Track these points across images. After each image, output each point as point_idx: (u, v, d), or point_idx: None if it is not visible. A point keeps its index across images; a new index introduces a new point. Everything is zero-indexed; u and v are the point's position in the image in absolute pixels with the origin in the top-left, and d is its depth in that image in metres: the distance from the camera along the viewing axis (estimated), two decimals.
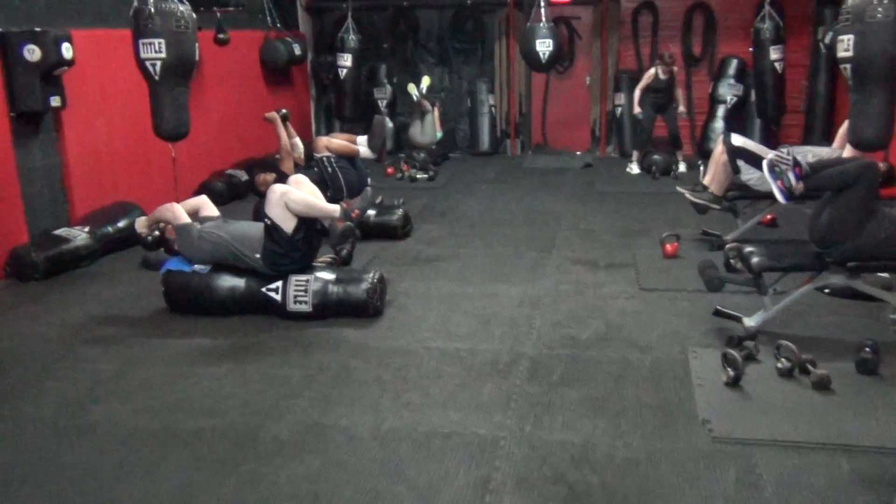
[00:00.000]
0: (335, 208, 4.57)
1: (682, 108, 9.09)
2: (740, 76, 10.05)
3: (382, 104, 11.08)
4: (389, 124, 10.97)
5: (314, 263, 4.83)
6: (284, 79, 10.23)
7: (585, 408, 3.44)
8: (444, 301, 4.90)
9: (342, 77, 9.84)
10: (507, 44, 10.74)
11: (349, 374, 3.87)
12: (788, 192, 4.13)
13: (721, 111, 10.10)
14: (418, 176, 9.00)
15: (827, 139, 9.41)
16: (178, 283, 4.69)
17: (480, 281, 5.30)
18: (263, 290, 4.58)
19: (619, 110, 10.54)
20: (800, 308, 4.40)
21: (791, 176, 4.14)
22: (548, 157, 10.37)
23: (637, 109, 9.11)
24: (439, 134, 10.11)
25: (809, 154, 5.71)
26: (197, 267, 4.67)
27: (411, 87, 9.67)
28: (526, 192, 8.28)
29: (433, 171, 9.19)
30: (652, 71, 9.08)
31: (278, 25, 9.79)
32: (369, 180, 8.61)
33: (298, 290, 4.54)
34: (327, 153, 6.29)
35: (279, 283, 4.56)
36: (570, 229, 6.66)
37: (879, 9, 4.44)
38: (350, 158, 6.41)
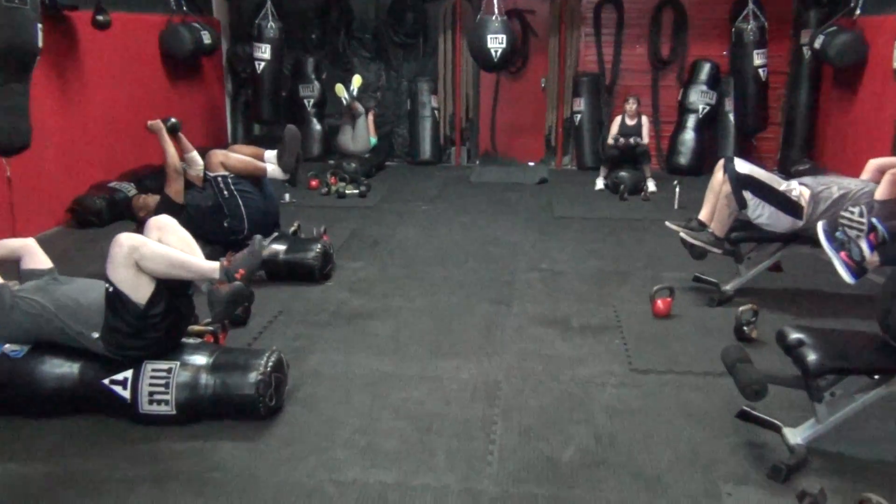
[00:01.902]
0: (212, 267, 3.19)
1: (635, 139, 7.89)
2: (713, 82, 8.94)
3: (309, 103, 9.66)
4: (318, 127, 9.58)
5: (187, 337, 3.44)
6: (192, 72, 8.72)
7: None
8: (368, 389, 3.55)
9: (259, 71, 8.40)
10: (454, 38, 9.42)
11: None
12: (858, 268, 2.93)
13: (692, 121, 8.98)
14: (347, 191, 7.61)
15: (807, 155, 8.41)
16: None
17: (419, 353, 3.96)
18: (105, 381, 3.17)
19: (577, 117, 9.34)
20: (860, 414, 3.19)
21: (864, 245, 2.94)
22: (498, 170, 9.08)
23: (611, 142, 7.94)
24: (374, 140, 8.76)
25: (835, 187, 4.56)
26: (7, 347, 3.22)
27: (339, 89, 8.28)
28: (474, 215, 6.98)
29: (365, 184, 7.82)
30: (618, 118, 7.95)
31: (185, 8, 8.27)
32: (289, 197, 7.28)
33: (156, 384, 3.14)
34: (223, 172, 4.88)
35: (128, 374, 3.16)
36: (530, 270, 5.38)
37: None
38: (255, 179, 5.01)
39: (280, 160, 5.01)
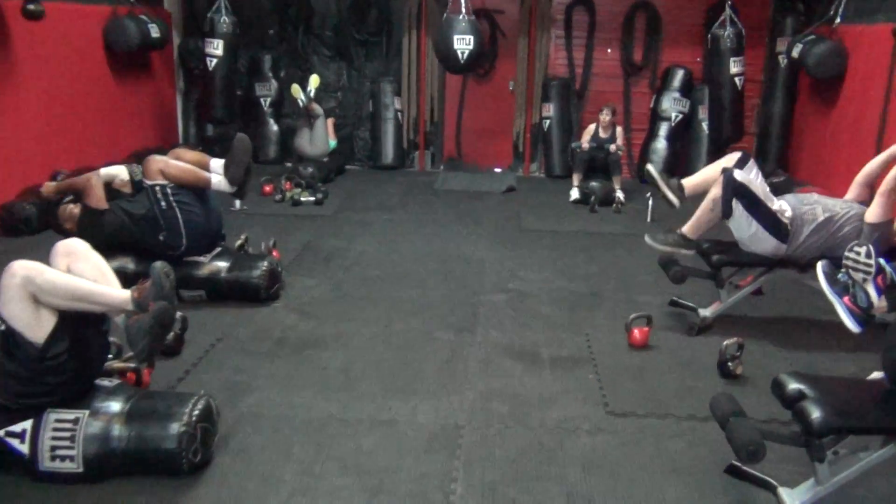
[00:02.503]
0: (124, 298, 2.74)
1: (616, 146, 7.55)
2: (686, 90, 8.63)
3: (265, 102, 9.17)
4: (275, 128, 9.10)
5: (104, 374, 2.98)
6: (140, 67, 8.18)
7: None
8: (313, 436, 3.13)
9: (211, 68, 7.90)
10: (419, 38, 9.01)
11: None
12: (864, 315, 2.59)
13: (664, 129, 8.67)
14: (303, 198, 7.15)
15: (782, 167, 8.17)
16: None
17: (371, 391, 3.55)
18: (0, 433, 2.71)
19: (546, 123, 8.97)
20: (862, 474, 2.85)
21: (871, 290, 2.60)
22: (463, 176, 8.68)
23: (584, 147, 7.57)
24: (333, 143, 8.31)
25: (819, 208, 4.24)
26: None
27: (295, 90, 7.81)
28: (437, 227, 6.57)
29: (322, 191, 7.37)
30: (591, 127, 7.60)
31: (132, 0, 7.75)
32: (239, 204, 6.80)
33: (60, 437, 2.69)
34: (162, 180, 4.41)
35: (27, 425, 2.70)
36: (496, 290, 4.99)
37: None
38: (198, 191, 4.54)
39: (227, 171, 4.54)
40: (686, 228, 4.42)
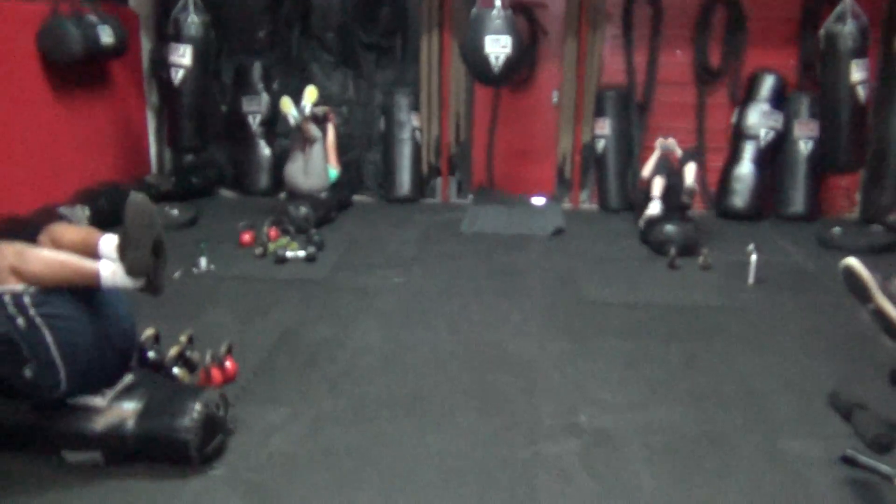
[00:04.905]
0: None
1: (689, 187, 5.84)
2: (778, 101, 6.83)
3: (255, 120, 7.50)
4: (266, 151, 7.41)
5: None
6: (93, 80, 6.54)
7: None
8: None
9: (177, 81, 6.23)
10: (441, 39, 7.27)
11: None
12: None
13: (751, 150, 6.89)
14: (289, 254, 5.44)
15: None
16: None
17: None
18: None
19: (600, 143, 7.21)
20: None
21: None
22: (497, 213, 6.90)
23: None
24: (334, 173, 6.66)
25: None
26: None
27: (286, 104, 6.18)
28: (466, 296, 4.84)
29: (316, 241, 5.66)
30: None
31: None
32: (205, 264, 5.12)
33: None
34: (16, 285, 2.70)
35: None
36: (561, 430, 3.24)
37: None
38: (83, 293, 2.84)
39: (123, 255, 2.81)
40: None
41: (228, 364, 3.54)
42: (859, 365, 3.85)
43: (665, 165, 6.06)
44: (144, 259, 2.78)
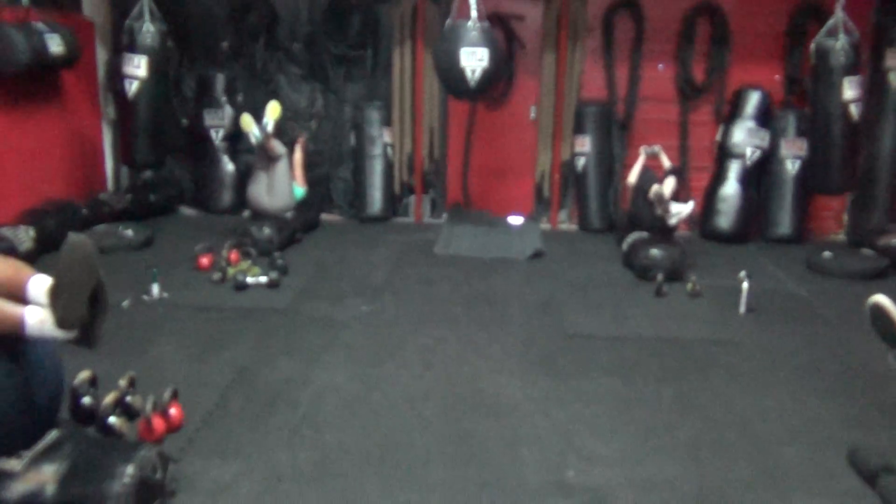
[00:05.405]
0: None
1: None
2: (764, 118, 6.58)
3: (217, 135, 7.10)
4: (230, 167, 7.03)
5: None
6: (43, 92, 6.12)
7: None
8: None
9: (131, 94, 5.83)
10: (414, 51, 6.94)
11: None
12: None
13: (736, 169, 6.63)
14: (250, 280, 5.05)
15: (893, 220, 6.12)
16: None
17: None
18: None
19: (580, 161, 6.91)
20: None
21: None
22: (472, 233, 6.54)
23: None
24: (300, 191, 6.29)
25: None
26: None
27: (246, 122, 5.81)
28: (441, 327, 4.49)
29: (280, 265, 5.28)
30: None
31: (23, 1, 5.70)
32: (157, 290, 4.71)
33: None
34: None
35: None
36: (548, 490, 2.87)
37: None
38: (3, 339, 2.45)
39: (54, 303, 2.42)
40: None
41: (173, 411, 3.15)
42: (866, 407, 3.55)
43: (651, 177, 5.76)
44: (79, 309, 2.40)
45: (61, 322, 2.39)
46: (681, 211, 5.44)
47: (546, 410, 3.47)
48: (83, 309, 2.40)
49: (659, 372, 3.92)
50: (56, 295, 2.39)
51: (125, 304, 4.60)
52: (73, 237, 2.41)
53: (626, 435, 3.27)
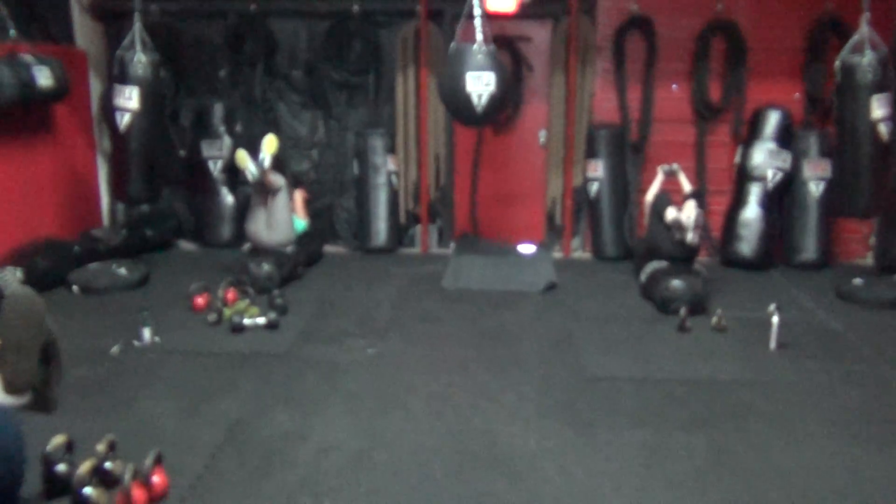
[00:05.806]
0: None
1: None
2: (785, 139, 6.29)
3: (216, 166, 6.85)
4: (229, 199, 6.79)
5: None
6: (33, 126, 5.90)
7: None
8: None
9: (123, 127, 5.59)
10: (417, 76, 6.70)
11: None
12: None
13: (757, 193, 6.32)
14: (247, 321, 4.76)
15: None
16: None
17: None
18: None
19: (593, 186, 6.62)
20: None
21: None
22: (482, 264, 6.21)
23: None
24: (302, 224, 6.05)
25: None
26: None
27: (242, 157, 5.57)
28: (450, 372, 4.19)
29: (279, 304, 5.00)
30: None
31: (11, 33, 5.50)
32: (148, 335, 4.43)
33: None
34: None
35: None
36: None
37: None
38: None
39: (2, 364, 2.14)
40: None
41: (156, 479, 2.86)
42: None
43: (665, 201, 5.47)
44: (28, 372, 2.12)
45: (10, 385, 2.11)
46: (690, 216, 5.18)
47: (565, 466, 3.16)
48: (32, 371, 2.12)
49: (688, 419, 3.61)
50: (1, 355, 2.11)
51: (114, 350, 4.34)
52: (16, 290, 2.15)
53: (656, 494, 2.96)
